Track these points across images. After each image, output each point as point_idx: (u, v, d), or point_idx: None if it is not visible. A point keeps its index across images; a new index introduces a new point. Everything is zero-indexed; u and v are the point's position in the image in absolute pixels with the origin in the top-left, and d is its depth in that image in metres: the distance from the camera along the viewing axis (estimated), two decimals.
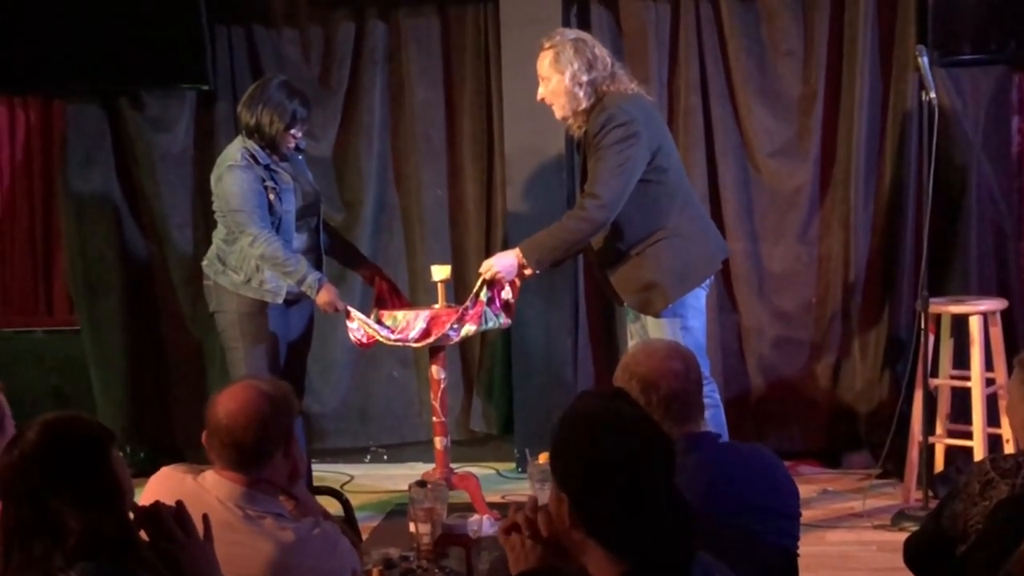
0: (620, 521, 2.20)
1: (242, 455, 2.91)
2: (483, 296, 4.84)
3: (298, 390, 5.12)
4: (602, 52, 4.75)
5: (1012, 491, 2.91)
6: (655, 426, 2.31)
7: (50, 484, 2.41)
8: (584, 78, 4.65)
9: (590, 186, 4.64)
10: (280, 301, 4.93)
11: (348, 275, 5.83)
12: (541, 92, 4.80)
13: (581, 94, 4.66)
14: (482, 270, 4.86)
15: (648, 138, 4.65)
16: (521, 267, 4.77)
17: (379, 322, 4.94)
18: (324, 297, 4.88)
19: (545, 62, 4.74)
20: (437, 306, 5.02)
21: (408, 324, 4.90)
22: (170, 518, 2.57)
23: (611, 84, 4.70)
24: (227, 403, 2.91)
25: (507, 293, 4.94)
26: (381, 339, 4.94)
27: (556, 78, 4.70)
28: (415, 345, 4.99)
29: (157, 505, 2.59)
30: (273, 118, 4.85)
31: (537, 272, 4.85)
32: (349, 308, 4.91)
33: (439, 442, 5.13)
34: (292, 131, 4.91)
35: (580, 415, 2.31)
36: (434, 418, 5.13)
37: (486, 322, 4.89)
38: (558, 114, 4.78)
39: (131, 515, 2.55)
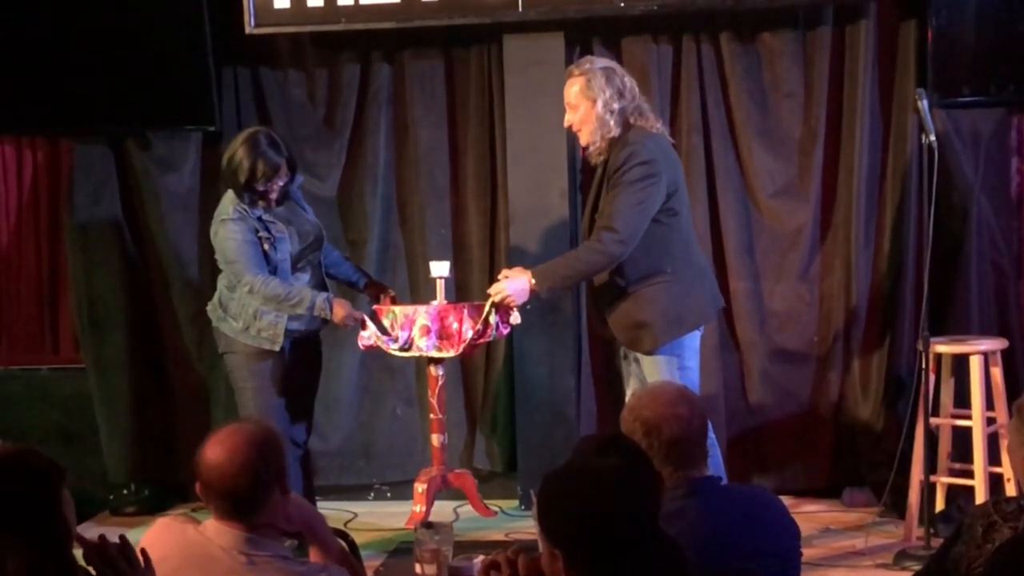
0: (615, 570, 2.24)
1: (238, 505, 2.91)
2: (492, 320, 4.93)
3: (307, 428, 5.23)
4: (631, 82, 4.80)
5: (1015, 534, 2.94)
6: (636, 476, 2.36)
7: None
8: (615, 106, 4.71)
9: (608, 220, 4.67)
10: (277, 348, 4.99)
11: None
12: (568, 119, 4.83)
13: (612, 122, 4.71)
14: (491, 291, 4.92)
15: (667, 180, 4.70)
16: (532, 292, 4.82)
17: (375, 319, 5.05)
18: (340, 313, 4.99)
19: (574, 89, 4.78)
20: (435, 302, 5.11)
21: (407, 319, 5.01)
22: (115, 551, 2.58)
23: (638, 118, 4.76)
24: (215, 455, 2.89)
25: (515, 318, 5.03)
26: (393, 352, 5.08)
27: (585, 105, 4.74)
28: (429, 354, 5.09)
29: (102, 539, 2.60)
30: (238, 176, 4.89)
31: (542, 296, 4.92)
32: (366, 317, 5.07)
33: (436, 439, 5.32)
34: (258, 185, 4.91)
35: (561, 475, 2.36)
36: (432, 415, 5.34)
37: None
38: (584, 140, 4.82)
39: (79, 547, 2.55)
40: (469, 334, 5.00)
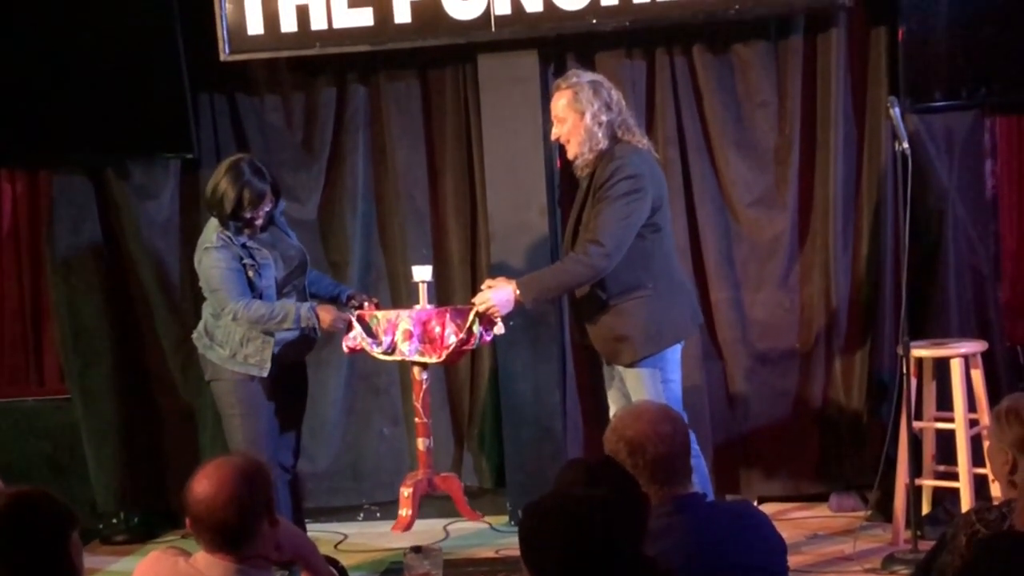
0: None
1: (227, 537, 2.93)
2: (476, 330, 4.95)
3: (295, 452, 5.24)
4: (618, 96, 4.86)
5: (991, 532, 2.96)
6: (622, 506, 2.36)
7: (4, 559, 2.42)
8: (603, 118, 4.76)
9: (594, 233, 4.70)
10: (265, 374, 4.99)
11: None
12: (555, 132, 4.87)
13: (600, 134, 4.75)
14: (476, 301, 4.93)
15: (652, 195, 4.74)
16: (517, 303, 4.84)
17: (361, 321, 5.06)
18: (327, 318, 5.00)
19: (561, 103, 4.82)
20: (418, 306, 5.14)
21: (391, 323, 5.02)
22: None
23: (625, 131, 4.80)
24: (203, 489, 2.92)
25: (499, 328, 5.04)
26: (376, 355, 5.10)
27: (573, 118, 4.78)
28: (412, 358, 5.09)
29: None
30: (223, 205, 4.90)
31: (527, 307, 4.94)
32: (352, 318, 5.07)
33: (422, 443, 5.33)
34: (245, 213, 4.92)
35: (543, 510, 2.35)
36: (416, 419, 5.33)
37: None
38: (572, 153, 4.86)
39: None
40: (452, 340, 5.00)
